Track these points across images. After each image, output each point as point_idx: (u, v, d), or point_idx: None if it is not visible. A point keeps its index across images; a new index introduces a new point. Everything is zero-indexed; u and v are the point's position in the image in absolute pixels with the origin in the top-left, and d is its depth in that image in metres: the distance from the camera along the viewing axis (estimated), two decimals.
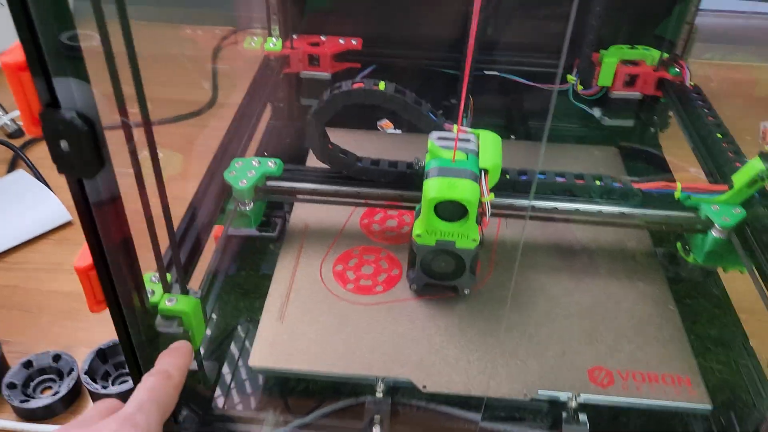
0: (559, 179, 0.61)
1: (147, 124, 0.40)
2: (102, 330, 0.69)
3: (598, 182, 0.60)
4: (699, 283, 0.67)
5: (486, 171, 0.54)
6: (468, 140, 0.56)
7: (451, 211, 0.52)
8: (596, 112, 0.88)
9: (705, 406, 0.52)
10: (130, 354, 0.48)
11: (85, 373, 0.63)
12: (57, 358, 0.66)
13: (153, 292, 0.49)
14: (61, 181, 0.38)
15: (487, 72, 0.86)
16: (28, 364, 0.66)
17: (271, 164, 0.62)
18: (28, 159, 0.94)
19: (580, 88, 0.84)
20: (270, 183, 0.62)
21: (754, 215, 0.59)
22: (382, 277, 0.61)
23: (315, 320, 0.57)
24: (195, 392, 0.56)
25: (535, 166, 0.64)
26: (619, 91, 0.84)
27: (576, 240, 0.66)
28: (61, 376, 0.66)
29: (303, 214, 0.69)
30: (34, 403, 0.63)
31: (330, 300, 0.59)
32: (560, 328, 0.57)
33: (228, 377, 0.58)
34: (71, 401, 0.64)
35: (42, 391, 0.65)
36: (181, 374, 0.46)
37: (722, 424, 0.54)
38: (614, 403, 0.52)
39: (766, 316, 0.59)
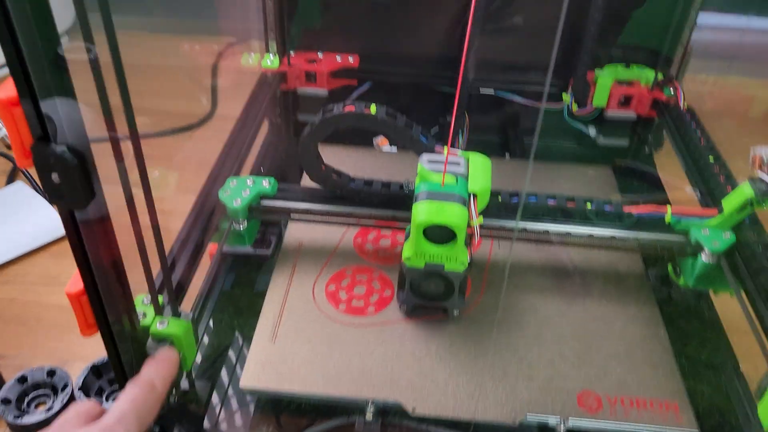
0: (551, 201, 0.61)
1: (137, 145, 0.41)
2: (98, 345, 0.68)
3: (589, 205, 0.61)
4: (691, 306, 0.67)
5: (475, 195, 0.54)
6: (458, 163, 0.56)
7: (439, 234, 0.53)
8: (591, 131, 0.88)
9: (692, 431, 0.52)
10: (121, 376, 0.48)
11: (79, 389, 0.64)
12: (52, 373, 0.67)
13: (144, 315, 0.49)
14: None
15: (482, 90, 0.87)
16: (22, 380, 0.66)
17: (266, 183, 0.63)
18: (27, 171, 0.95)
19: (575, 107, 0.84)
20: (264, 202, 0.62)
21: (743, 240, 0.59)
22: (374, 298, 0.62)
23: (306, 341, 0.57)
24: (187, 411, 0.57)
25: (529, 185, 0.64)
26: (614, 110, 0.84)
27: (568, 262, 0.67)
28: (55, 391, 0.66)
29: (297, 232, 0.69)
30: (28, 419, 0.63)
31: (322, 321, 0.59)
32: (550, 351, 0.58)
33: (220, 396, 0.59)
34: None
35: (36, 407, 0.66)
36: (165, 385, 0.46)
37: None
38: (602, 428, 0.53)
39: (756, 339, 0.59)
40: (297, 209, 0.63)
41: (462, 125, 0.82)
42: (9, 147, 1.02)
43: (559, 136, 0.89)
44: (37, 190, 0.92)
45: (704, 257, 0.59)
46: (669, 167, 0.86)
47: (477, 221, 0.54)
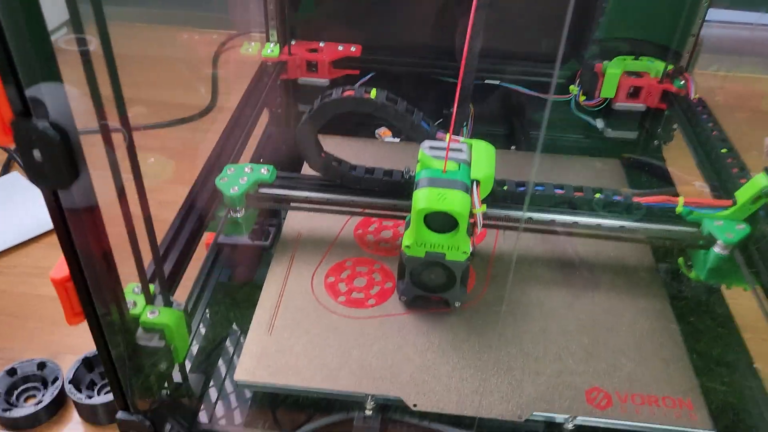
0: (558, 191, 0.59)
1: (127, 127, 0.39)
2: (90, 338, 0.67)
3: (597, 195, 0.59)
4: (702, 301, 0.65)
5: (478, 182, 0.52)
6: (460, 150, 0.54)
7: (441, 222, 0.51)
8: (599, 124, 0.86)
9: (707, 430, 0.50)
10: (110, 367, 0.46)
11: (70, 382, 0.62)
12: (42, 365, 0.65)
13: (135, 304, 0.47)
14: None
15: (488, 81, 0.85)
16: (12, 372, 0.64)
17: (264, 171, 0.61)
18: (21, 162, 0.93)
19: (582, 98, 0.82)
20: (262, 190, 0.60)
21: (758, 232, 0.57)
22: (375, 290, 0.60)
23: (304, 334, 0.55)
24: (180, 405, 0.54)
25: (535, 177, 0.62)
26: (622, 102, 0.82)
27: (575, 254, 0.65)
28: (45, 384, 0.64)
29: (296, 223, 0.67)
30: (17, 412, 0.61)
31: (320, 313, 0.57)
32: (557, 345, 0.55)
33: (216, 390, 0.57)
34: (55, 411, 0.63)
35: (26, 400, 0.64)
36: None
37: None
38: (612, 426, 0.50)
39: None
40: (296, 198, 0.61)
41: (466, 116, 0.80)
42: None
43: (565, 129, 0.87)
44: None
45: (717, 249, 0.57)
46: (678, 161, 0.84)
47: (480, 209, 0.52)
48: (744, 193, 0.57)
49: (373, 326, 0.56)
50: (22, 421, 0.61)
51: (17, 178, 0.90)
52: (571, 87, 0.83)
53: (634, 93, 0.81)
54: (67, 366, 0.64)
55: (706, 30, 0.81)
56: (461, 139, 0.56)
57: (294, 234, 0.66)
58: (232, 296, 0.65)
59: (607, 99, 0.82)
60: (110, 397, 0.61)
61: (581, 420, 0.50)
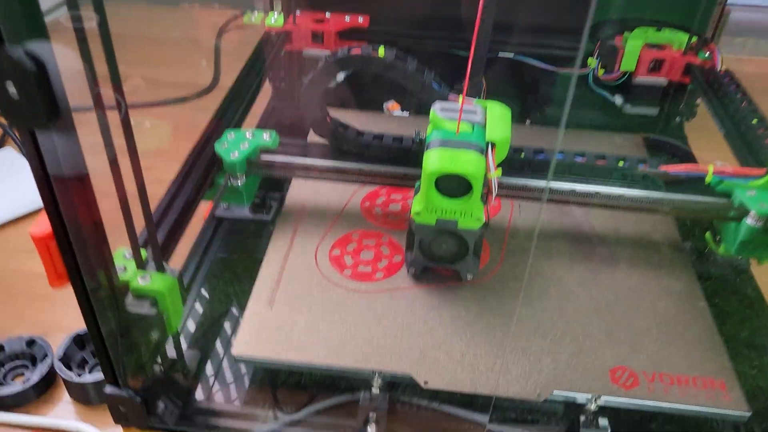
0: (579, 159, 0.55)
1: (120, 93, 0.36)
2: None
3: (621, 163, 0.55)
4: (729, 281, 0.61)
5: (493, 144, 0.48)
6: (474, 112, 0.51)
7: (453, 186, 0.47)
8: (617, 100, 0.82)
9: (742, 412, 0.46)
10: (97, 337, 0.43)
11: (60, 360, 0.58)
12: (31, 343, 0.62)
13: (125, 269, 0.44)
14: None
15: (501, 54, 0.81)
16: None
17: (266, 137, 0.57)
18: (16, 136, 0.90)
19: (601, 72, 0.79)
20: (264, 157, 0.57)
21: None
22: (383, 264, 0.56)
23: (307, 307, 0.52)
24: (174, 382, 0.51)
25: (551, 150, 0.58)
26: (643, 76, 0.78)
27: (595, 229, 0.61)
28: (34, 362, 0.61)
29: (300, 195, 0.64)
30: (4, 390, 0.58)
31: (324, 286, 0.54)
32: (577, 324, 0.52)
33: (213, 368, 0.53)
34: (44, 389, 0.60)
35: (14, 378, 0.61)
36: None
37: None
38: (639, 407, 0.47)
39: None
40: (300, 165, 0.57)
41: (479, 90, 0.76)
42: None
43: (582, 105, 0.83)
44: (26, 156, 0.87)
45: (750, 221, 0.53)
46: (700, 142, 0.80)
47: (495, 173, 0.48)
48: None
49: (381, 301, 0.53)
50: (9, 400, 0.58)
51: (10, 153, 0.87)
52: (590, 60, 0.79)
53: (656, 66, 0.77)
54: (57, 344, 0.61)
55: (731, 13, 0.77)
56: (475, 101, 0.52)
57: (297, 206, 0.62)
58: (232, 270, 0.61)
59: (626, 73, 0.78)
60: (101, 375, 0.58)
61: (605, 400, 0.47)
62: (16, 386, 0.58)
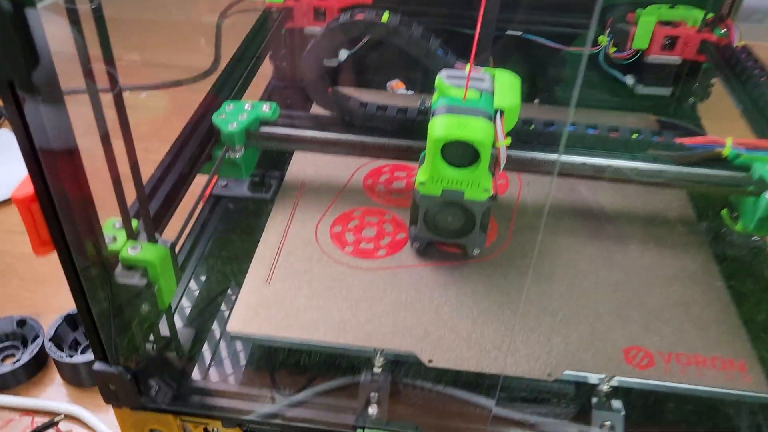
0: (591, 131, 0.53)
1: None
2: None
3: (635, 136, 0.53)
4: (745, 262, 0.59)
5: (502, 112, 0.46)
6: (482, 80, 0.48)
7: (460, 155, 0.45)
8: (629, 80, 0.80)
9: (763, 394, 0.44)
10: (85, 310, 0.41)
11: (51, 340, 0.56)
12: (22, 323, 0.60)
13: (114, 239, 0.42)
14: None
15: (509, 32, 0.79)
16: None
17: (266, 108, 0.55)
18: None
19: (612, 50, 0.76)
20: (264, 129, 0.55)
21: None
22: (386, 241, 0.54)
23: (306, 284, 0.50)
24: (168, 362, 0.49)
25: (561, 122, 0.56)
26: (656, 54, 0.75)
27: (606, 206, 0.59)
28: (25, 342, 0.59)
29: (300, 171, 0.62)
30: None
31: (325, 263, 0.52)
32: (589, 303, 0.49)
33: (209, 347, 0.51)
34: (35, 371, 0.58)
35: (4, 359, 0.59)
36: None
37: None
38: (655, 388, 0.44)
39: None
40: (300, 137, 0.55)
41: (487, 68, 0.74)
42: None
43: (591, 86, 0.81)
44: None
45: None
46: (714, 124, 0.77)
47: (504, 142, 0.46)
48: None
49: (384, 278, 0.51)
50: None
51: (5, 134, 0.85)
52: (601, 38, 0.77)
53: (670, 44, 0.75)
54: (49, 325, 0.59)
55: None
56: (483, 69, 0.50)
57: (297, 182, 0.60)
58: (229, 249, 0.59)
59: (639, 51, 0.76)
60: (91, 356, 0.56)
61: (619, 380, 0.44)
62: (5, 367, 0.56)
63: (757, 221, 0.52)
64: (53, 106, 0.33)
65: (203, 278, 0.57)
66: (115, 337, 0.43)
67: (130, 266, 0.41)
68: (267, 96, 0.79)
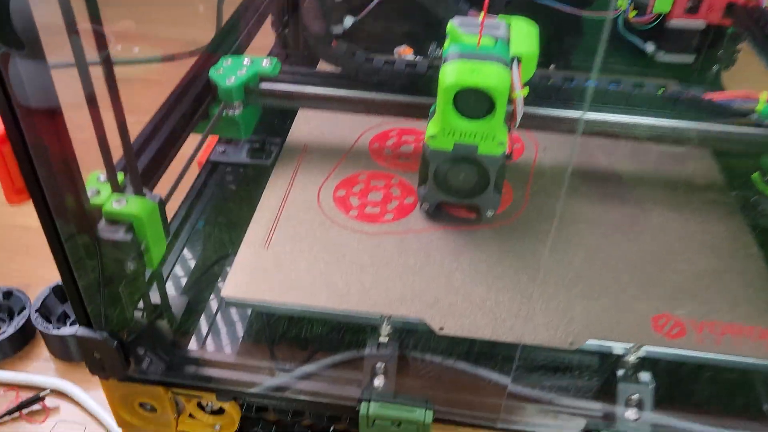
0: (614, 87, 0.49)
1: None
2: None
3: (661, 91, 0.49)
4: None
5: (519, 59, 0.42)
6: (497, 27, 0.45)
7: (473, 105, 0.41)
8: (649, 47, 0.75)
9: None
10: (65, 267, 0.37)
11: (37, 311, 0.53)
12: (8, 295, 0.56)
13: (98, 192, 0.38)
14: None
15: None
16: None
17: (266, 63, 0.51)
18: None
19: (633, 14, 0.72)
20: (264, 85, 0.51)
21: None
22: (393, 205, 0.50)
23: (307, 248, 0.46)
24: (158, 330, 0.46)
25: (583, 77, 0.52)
26: (678, 18, 0.71)
27: (627, 170, 0.55)
28: (11, 315, 0.56)
29: (302, 134, 0.58)
30: None
31: (327, 227, 0.48)
32: (612, 270, 0.46)
33: (204, 317, 0.48)
34: (21, 344, 0.55)
35: None
36: None
37: None
38: (687, 359, 0.41)
39: None
40: (303, 94, 0.51)
41: None
42: None
43: (609, 54, 0.77)
44: None
45: None
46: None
47: (521, 92, 0.42)
48: None
49: (391, 243, 0.47)
50: None
51: None
52: (620, 1, 0.73)
53: (693, 8, 0.70)
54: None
55: None
56: (498, 16, 0.46)
57: (299, 145, 0.57)
58: (226, 217, 0.56)
59: (660, 15, 0.71)
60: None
61: (647, 350, 0.41)
62: None
63: None
64: (22, 27, 0.30)
65: (198, 246, 0.53)
66: (100, 300, 0.39)
67: (115, 220, 0.37)
68: None
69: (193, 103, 0.49)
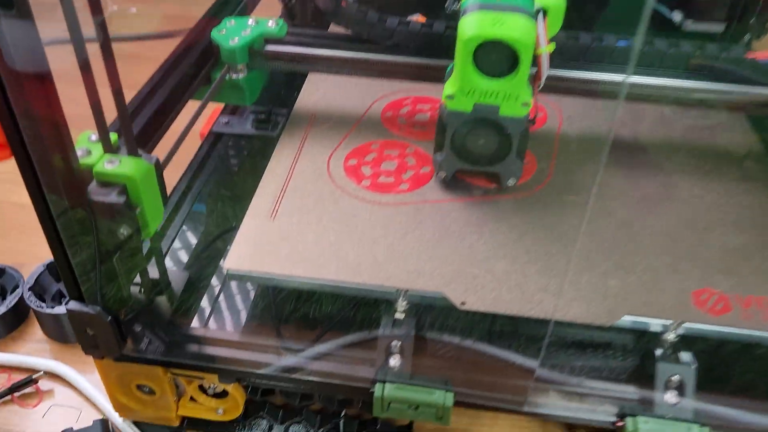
0: (647, 48, 0.46)
1: None
2: None
3: (698, 52, 0.45)
4: None
5: (545, 12, 0.39)
6: None
7: (495, 60, 0.38)
8: (676, 16, 0.71)
9: None
10: (53, 233, 0.34)
11: (31, 289, 0.50)
12: (1, 272, 0.53)
13: (89, 152, 0.35)
14: None
15: None
16: None
17: (272, 23, 0.48)
18: None
19: None
20: (270, 47, 0.48)
21: None
22: (408, 175, 0.47)
23: (316, 219, 0.43)
24: (156, 306, 0.42)
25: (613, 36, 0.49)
26: None
27: (661, 138, 0.51)
28: (4, 293, 0.53)
29: (311, 99, 0.55)
30: None
31: (338, 197, 0.45)
32: (648, 242, 0.42)
33: (207, 294, 0.45)
34: (14, 324, 0.52)
35: None
36: None
37: None
38: (732, 337, 0.37)
39: None
40: (310, 56, 0.48)
41: None
42: None
43: (633, 23, 0.73)
44: None
45: None
46: None
47: (548, 48, 0.39)
48: None
49: (406, 214, 0.44)
50: None
51: None
52: None
53: None
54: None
55: None
56: None
57: (307, 113, 0.53)
58: (230, 189, 0.52)
59: None
60: None
61: (688, 327, 0.37)
62: None
63: None
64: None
65: (200, 220, 0.50)
66: (92, 270, 0.36)
67: (107, 182, 0.34)
68: None
69: (193, 66, 0.46)
